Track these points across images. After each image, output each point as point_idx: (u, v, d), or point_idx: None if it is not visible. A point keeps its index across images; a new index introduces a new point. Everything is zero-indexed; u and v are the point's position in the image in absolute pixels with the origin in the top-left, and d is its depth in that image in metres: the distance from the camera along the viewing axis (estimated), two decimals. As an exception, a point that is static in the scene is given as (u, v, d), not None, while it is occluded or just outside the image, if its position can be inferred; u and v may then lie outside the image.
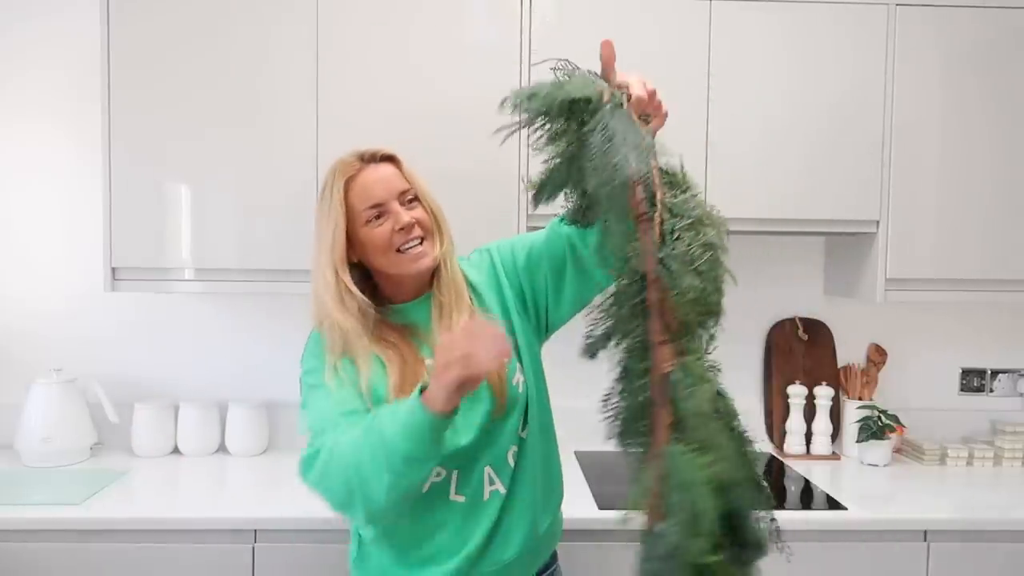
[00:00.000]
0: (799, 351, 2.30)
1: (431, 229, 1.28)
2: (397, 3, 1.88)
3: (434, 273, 1.29)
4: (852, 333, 2.33)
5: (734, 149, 1.92)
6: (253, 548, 1.65)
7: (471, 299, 1.30)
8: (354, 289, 1.23)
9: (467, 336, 1.04)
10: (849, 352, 2.33)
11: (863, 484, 1.99)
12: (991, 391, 2.35)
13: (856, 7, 1.92)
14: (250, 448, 2.14)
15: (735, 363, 2.26)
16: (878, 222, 1.97)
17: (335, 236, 1.23)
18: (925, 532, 1.72)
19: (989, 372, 2.35)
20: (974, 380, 2.35)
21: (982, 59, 1.95)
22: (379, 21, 1.88)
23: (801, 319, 2.31)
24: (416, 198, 1.29)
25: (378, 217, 1.25)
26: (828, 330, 2.32)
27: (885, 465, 2.13)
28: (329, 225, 1.24)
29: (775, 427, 2.27)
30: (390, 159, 1.30)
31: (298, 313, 2.23)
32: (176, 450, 2.14)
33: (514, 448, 1.28)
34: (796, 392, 2.23)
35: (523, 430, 1.30)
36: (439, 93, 1.88)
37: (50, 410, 2.01)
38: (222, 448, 2.17)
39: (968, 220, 1.97)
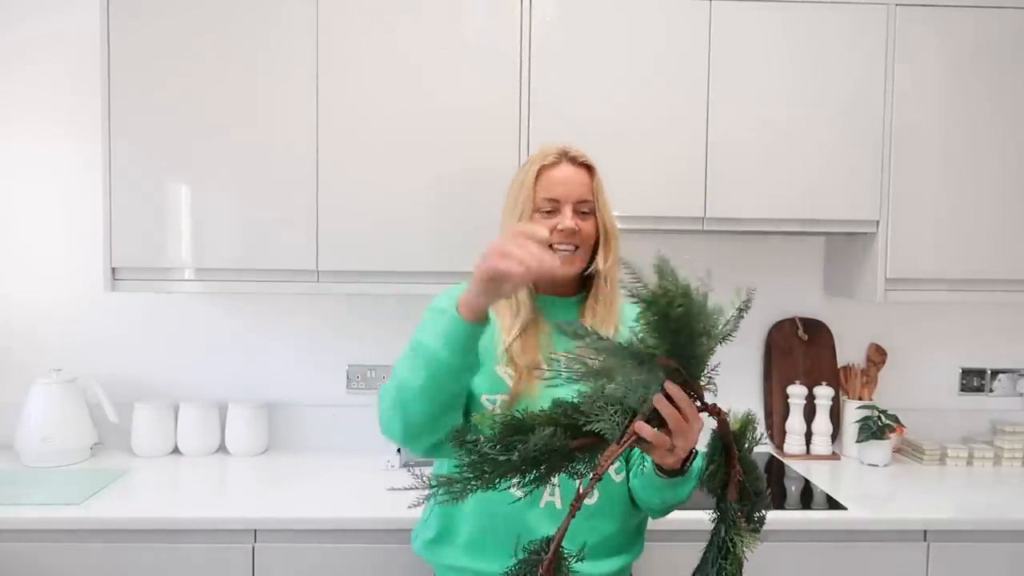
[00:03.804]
0: (799, 351, 2.30)
1: (589, 243, 1.33)
2: (397, 3, 1.88)
3: (592, 284, 1.34)
4: (852, 333, 2.33)
5: (734, 149, 1.92)
6: (253, 548, 1.65)
7: (618, 327, 1.31)
8: None
9: (512, 235, 1.05)
10: (849, 352, 2.33)
11: (863, 484, 1.99)
12: (991, 391, 2.35)
13: (856, 7, 1.92)
14: (250, 448, 2.14)
15: (735, 363, 2.31)
16: (878, 222, 1.97)
17: (522, 216, 1.32)
18: (925, 532, 1.72)
19: (989, 372, 2.35)
20: (974, 380, 2.35)
21: (982, 59, 1.95)
22: (378, 21, 1.88)
23: (801, 319, 2.31)
24: (592, 212, 1.33)
25: (549, 212, 1.31)
26: (828, 330, 2.32)
27: (885, 465, 2.13)
28: (517, 206, 1.33)
29: (775, 427, 2.27)
30: (587, 168, 1.34)
31: (298, 313, 2.25)
32: (176, 450, 2.15)
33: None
34: (796, 392, 2.23)
35: (619, 471, 1.28)
36: (439, 93, 1.88)
37: (50, 410, 2.01)
38: (222, 448, 2.17)
39: (968, 220, 1.97)
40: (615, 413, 0.92)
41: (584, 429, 0.93)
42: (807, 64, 1.93)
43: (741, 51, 1.91)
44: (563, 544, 1.02)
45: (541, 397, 1.18)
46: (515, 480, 0.93)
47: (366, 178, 1.89)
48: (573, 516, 0.91)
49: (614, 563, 1.29)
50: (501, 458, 0.91)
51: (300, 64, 1.87)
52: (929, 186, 1.96)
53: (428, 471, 1.04)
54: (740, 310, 0.94)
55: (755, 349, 2.33)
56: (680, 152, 1.91)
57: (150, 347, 2.23)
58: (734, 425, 1.02)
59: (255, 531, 1.65)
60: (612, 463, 0.92)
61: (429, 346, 1.11)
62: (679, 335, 0.88)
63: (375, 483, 1.90)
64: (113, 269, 1.89)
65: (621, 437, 0.93)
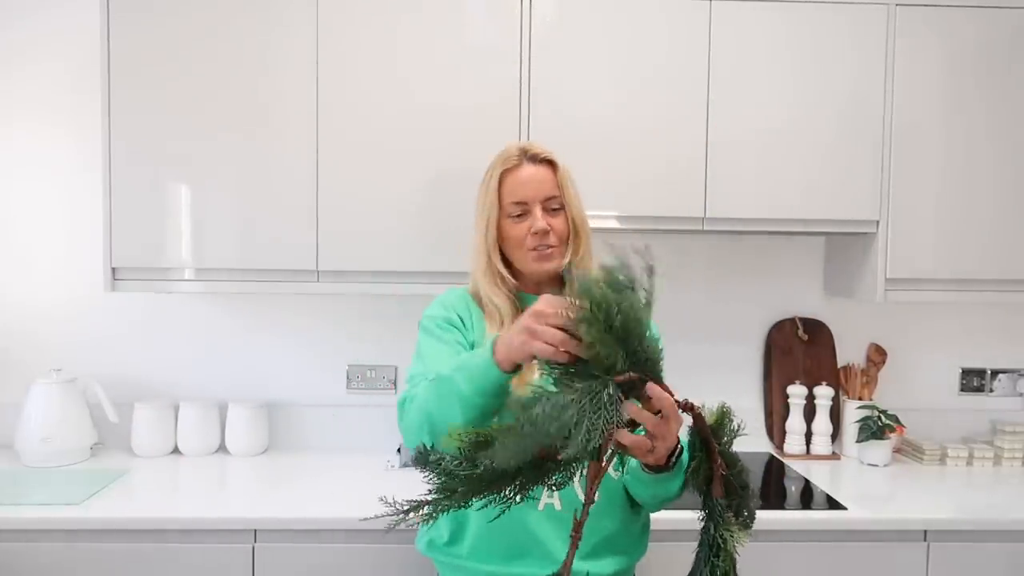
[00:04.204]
0: (799, 351, 2.30)
1: (565, 238, 1.33)
2: (397, 4, 1.88)
3: (564, 279, 1.32)
4: (852, 333, 2.33)
5: (734, 149, 1.92)
6: (253, 548, 1.65)
7: None
8: (506, 274, 1.33)
9: (540, 310, 0.99)
10: (849, 352, 2.32)
11: (863, 484, 1.99)
12: (991, 391, 2.35)
13: (856, 7, 1.92)
14: (250, 448, 2.14)
15: (735, 363, 2.31)
16: (878, 222, 1.97)
17: (488, 224, 1.33)
18: (925, 532, 1.72)
19: (989, 372, 2.35)
20: (974, 380, 2.35)
21: (982, 59, 1.95)
22: (379, 21, 1.88)
23: (801, 319, 2.31)
24: (561, 207, 1.33)
25: (520, 215, 1.32)
26: (828, 330, 2.32)
27: (885, 465, 2.13)
28: (484, 213, 1.34)
29: (775, 427, 2.27)
30: (550, 163, 1.34)
31: (298, 313, 2.25)
32: (176, 450, 2.15)
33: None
34: (796, 392, 2.23)
35: (616, 468, 1.28)
36: (439, 93, 1.88)
37: (50, 410, 2.01)
38: (222, 448, 2.17)
39: (968, 220, 1.97)
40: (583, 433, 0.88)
41: (559, 458, 0.90)
42: (807, 64, 1.93)
43: (741, 51, 1.91)
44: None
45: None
46: (492, 497, 0.92)
47: (366, 178, 1.89)
48: (576, 547, 0.90)
49: (617, 563, 1.29)
50: (466, 474, 0.90)
51: (300, 64, 1.87)
52: (929, 186, 1.96)
53: (400, 495, 1.02)
54: (649, 271, 0.92)
55: (755, 349, 2.33)
56: (680, 152, 1.91)
57: (150, 347, 2.23)
58: (710, 419, 1.02)
59: (255, 531, 1.65)
60: (599, 481, 0.92)
61: (463, 391, 1.06)
62: (629, 341, 0.88)
63: (375, 483, 1.90)
64: (113, 269, 1.89)
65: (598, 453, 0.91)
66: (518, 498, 0.94)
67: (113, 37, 1.85)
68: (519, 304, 1.33)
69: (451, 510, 0.93)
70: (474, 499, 0.92)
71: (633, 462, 1.16)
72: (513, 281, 1.34)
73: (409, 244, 1.90)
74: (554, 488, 0.96)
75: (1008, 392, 2.35)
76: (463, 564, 1.30)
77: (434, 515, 0.92)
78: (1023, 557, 1.72)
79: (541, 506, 1.25)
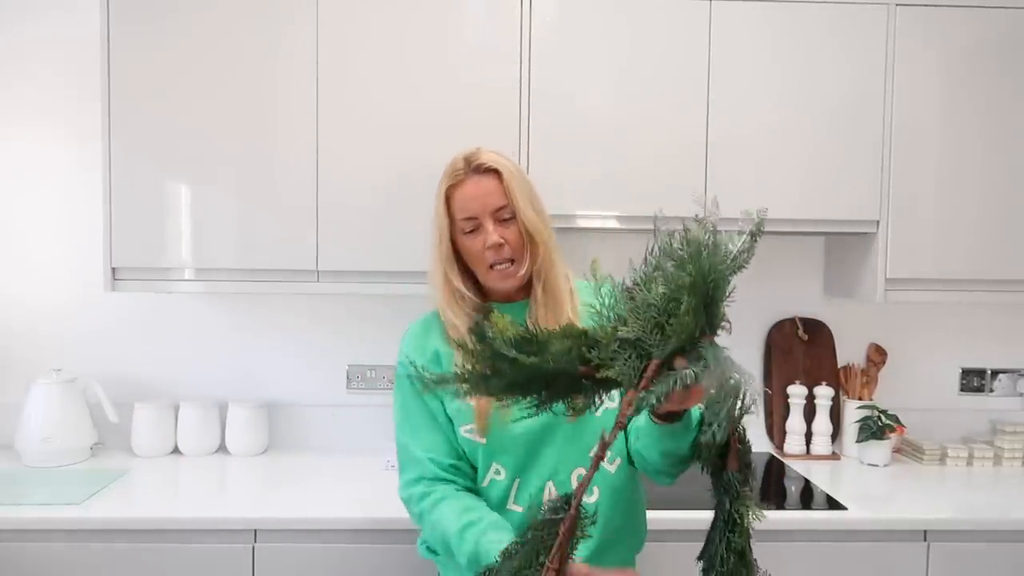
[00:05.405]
0: (799, 351, 2.30)
1: (521, 248, 1.28)
2: (397, 4, 1.88)
3: (530, 281, 1.30)
4: (852, 333, 2.33)
5: (734, 149, 1.92)
6: (253, 548, 1.65)
7: (574, 312, 1.28)
8: (465, 291, 1.29)
9: None
10: (849, 352, 2.32)
11: (863, 484, 1.99)
12: (991, 391, 2.35)
13: (856, 7, 1.92)
14: (250, 448, 2.14)
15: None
16: (878, 222, 1.97)
17: (441, 241, 1.30)
18: (925, 532, 1.72)
19: (989, 372, 2.35)
20: (974, 380, 2.35)
21: (982, 59, 1.95)
22: (379, 22, 1.88)
23: (801, 319, 2.31)
24: (512, 216, 1.28)
25: (473, 230, 1.28)
26: (828, 330, 2.32)
27: (885, 465, 2.13)
28: (436, 230, 1.31)
29: (775, 427, 2.27)
30: (495, 172, 1.29)
31: (298, 313, 2.25)
32: (176, 450, 2.15)
33: (582, 471, 1.24)
34: (796, 392, 2.23)
35: (609, 463, 1.27)
36: (439, 93, 1.88)
37: (50, 410, 2.01)
38: (222, 448, 2.17)
39: (968, 220, 1.97)
40: (630, 357, 0.88)
41: (599, 376, 0.89)
42: (807, 64, 1.93)
43: (741, 51, 1.91)
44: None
45: (512, 417, 1.17)
46: (519, 398, 0.91)
47: (366, 178, 1.89)
48: (596, 468, 0.89)
49: (619, 555, 1.29)
50: (519, 359, 0.87)
51: (300, 63, 1.87)
52: (929, 186, 1.96)
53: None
54: (753, 235, 0.94)
55: (755, 349, 2.33)
56: (680, 152, 1.91)
57: (150, 347, 2.23)
58: None
59: (255, 531, 1.65)
60: (632, 410, 0.89)
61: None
62: (711, 307, 0.92)
63: (375, 483, 1.90)
64: (113, 269, 1.89)
65: (638, 382, 0.89)
66: (545, 406, 0.92)
67: (113, 38, 1.85)
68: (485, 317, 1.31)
69: (476, 395, 0.91)
70: (504, 393, 0.90)
71: (641, 421, 1.14)
72: (474, 299, 1.30)
73: (409, 244, 1.89)
74: (572, 411, 0.93)
75: (1008, 392, 2.35)
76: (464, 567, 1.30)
77: (462, 393, 0.91)
78: (1023, 557, 1.73)
79: None
